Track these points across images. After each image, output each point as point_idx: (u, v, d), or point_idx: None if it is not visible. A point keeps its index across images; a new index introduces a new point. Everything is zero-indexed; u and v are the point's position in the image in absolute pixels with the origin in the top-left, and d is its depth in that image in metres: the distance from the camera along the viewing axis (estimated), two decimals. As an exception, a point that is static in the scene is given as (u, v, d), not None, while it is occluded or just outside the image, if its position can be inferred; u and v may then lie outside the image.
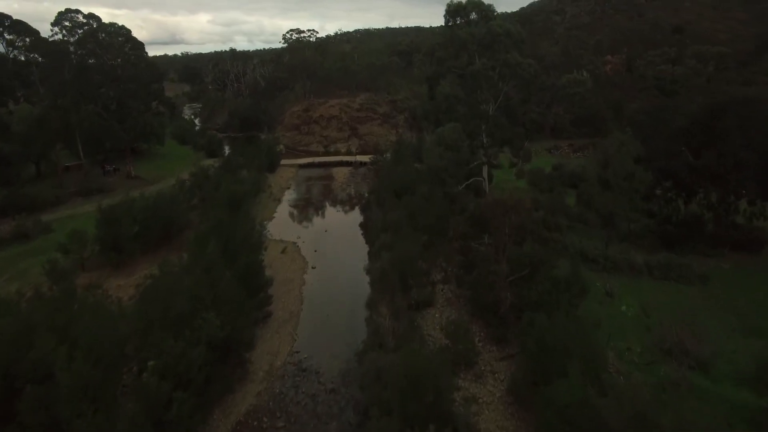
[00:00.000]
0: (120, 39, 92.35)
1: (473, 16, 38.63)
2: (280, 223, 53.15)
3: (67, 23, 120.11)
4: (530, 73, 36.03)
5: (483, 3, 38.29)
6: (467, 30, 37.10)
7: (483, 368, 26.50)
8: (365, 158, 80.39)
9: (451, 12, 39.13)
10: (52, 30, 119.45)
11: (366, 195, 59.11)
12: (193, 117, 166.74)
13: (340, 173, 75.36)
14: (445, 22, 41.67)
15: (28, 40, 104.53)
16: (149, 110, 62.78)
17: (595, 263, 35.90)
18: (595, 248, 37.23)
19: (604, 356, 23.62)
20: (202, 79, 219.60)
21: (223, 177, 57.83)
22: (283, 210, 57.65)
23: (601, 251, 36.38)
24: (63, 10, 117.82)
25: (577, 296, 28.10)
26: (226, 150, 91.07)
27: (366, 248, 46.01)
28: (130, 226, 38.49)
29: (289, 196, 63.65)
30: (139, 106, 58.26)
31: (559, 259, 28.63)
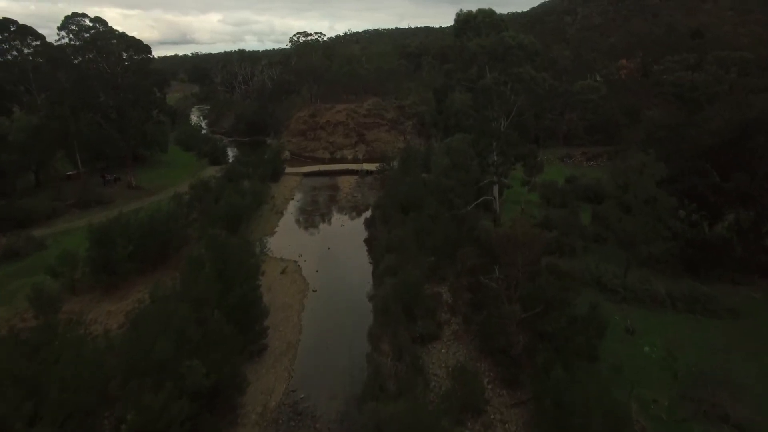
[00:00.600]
0: (123, 44, 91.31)
1: (485, 19, 36.35)
2: (282, 239, 51.27)
3: (73, 27, 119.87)
4: (545, 88, 33.74)
5: (494, 12, 36.03)
6: (478, 41, 34.86)
7: (492, 416, 24.31)
8: (372, 166, 78.40)
9: (461, 22, 36.91)
10: (58, 34, 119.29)
11: (371, 208, 56.91)
12: (201, 118, 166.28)
13: (346, 182, 73.40)
14: (454, 32, 39.55)
15: (24, 49, 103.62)
16: (150, 119, 61.30)
17: (613, 293, 33.52)
18: (614, 275, 34.81)
19: (628, 411, 21.41)
20: (212, 80, 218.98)
21: (224, 189, 56.16)
22: (285, 224, 55.80)
23: (620, 280, 33.96)
24: (70, 13, 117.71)
25: (595, 336, 25.86)
26: (231, 156, 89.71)
27: (370, 267, 44.04)
28: (123, 247, 36.79)
29: (292, 208, 61.80)
30: (139, 116, 56.77)
31: (576, 297, 26.33)
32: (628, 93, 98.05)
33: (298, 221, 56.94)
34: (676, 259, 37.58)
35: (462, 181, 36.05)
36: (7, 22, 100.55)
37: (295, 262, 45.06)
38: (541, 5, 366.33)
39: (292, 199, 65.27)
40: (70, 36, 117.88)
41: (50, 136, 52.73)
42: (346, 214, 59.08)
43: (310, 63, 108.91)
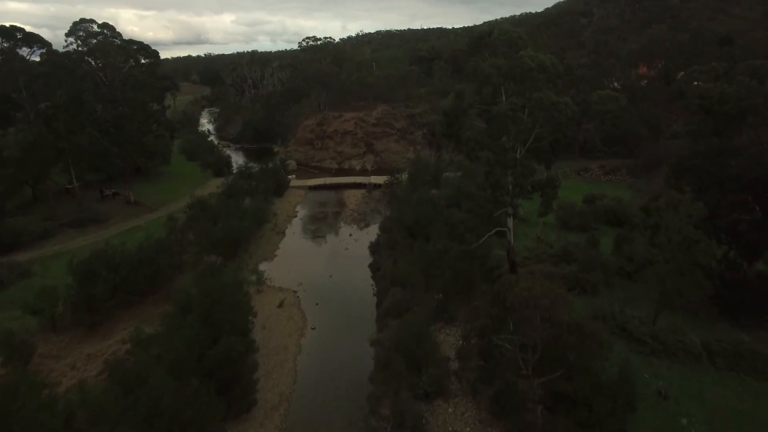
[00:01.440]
0: (124, 54, 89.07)
1: (500, 37, 33.04)
2: (282, 264, 48.52)
3: (81, 33, 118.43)
4: (567, 115, 30.44)
5: (511, 29, 32.74)
6: (493, 62, 31.65)
7: (506, 503, 21.24)
8: (380, 179, 75.46)
9: (475, 39, 33.69)
10: (66, 40, 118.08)
11: (378, 230, 53.89)
12: (212, 121, 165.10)
13: (353, 197, 70.48)
14: (467, 51, 36.42)
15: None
16: (149, 132, 58.96)
17: (640, 343, 30.04)
18: (640, 322, 31.33)
19: None
20: (223, 82, 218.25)
21: (223, 209, 53.67)
22: (287, 246, 52.99)
23: (649, 328, 30.47)
24: (78, 19, 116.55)
25: (624, 409, 22.59)
26: (237, 165, 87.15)
27: (374, 299, 41.08)
28: (107, 282, 34.20)
29: (295, 227, 58.97)
30: (137, 130, 54.41)
31: (602, 363, 23.04)
32: (648, 102, 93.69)
33: (300, 243, 54.07)
34: (710, 301, 33.95)
35: (473, 212, 32.91)
36: (14, 29, 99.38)
37: (294, 292, 42.25)
38: (556, 6, 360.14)
39: (296, 216, 62.51)
40: (78, 42, 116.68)
41: (44, 152, 50.57)
42: (351, 234, 56.13)
43: (319, 70, 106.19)
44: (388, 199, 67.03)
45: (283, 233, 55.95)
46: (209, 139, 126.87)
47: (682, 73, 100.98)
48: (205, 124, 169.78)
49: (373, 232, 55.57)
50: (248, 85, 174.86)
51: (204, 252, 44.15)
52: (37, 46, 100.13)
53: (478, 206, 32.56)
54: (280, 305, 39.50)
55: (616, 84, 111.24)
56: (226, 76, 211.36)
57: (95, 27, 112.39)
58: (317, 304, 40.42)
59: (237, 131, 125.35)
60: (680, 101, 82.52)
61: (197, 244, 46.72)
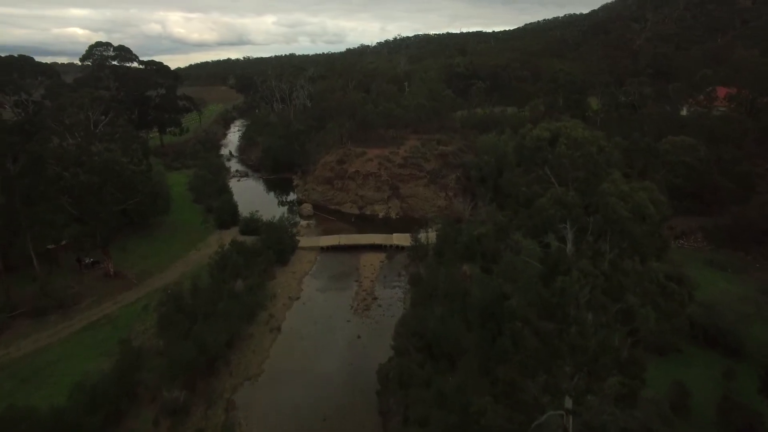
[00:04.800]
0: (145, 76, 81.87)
1: (567, 150, 21.62)
2: (267, 388, 38.24)
3: (96, 56, 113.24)
4: (682, 302, 18.80)
5: (588, 137, 21.21)
6: (557, 196, 20.33)
7: None
8: (403, 239, 64.87)
9: (530, 151, 22.39)
10: (82, 64, 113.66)
11: (390, 338, 43.18)
12: (237, 133, 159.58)
13: (369, 266, 59.81)
14: (515, 160, 25.17)
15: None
16: (128, 200, 50.37)
17: None
18: None
19: None
20: (257, 89, 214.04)
21: (205, 299, 44.46)
22: (279, 355, 42.51)
23: None
24: (94, 42, 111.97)
25: None
26: (247, 204, 78.29)
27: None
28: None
29: (295, 317, 48.49)
30: (108, 201, 45.78)
31: None
32: (729, 142, 78.44)
33: (296, 350, 43.52)
34: None
35: (514, 407, 21.80)
36: (23, 60, 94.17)
37: (274, 450, 32.07)
38: (603, 8, 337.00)
39: (299, 298, 52.35)
40: (95, 66, 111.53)
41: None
42: (359, 336, 45.34)
43: (342, 102, 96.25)
44: (410, 273, 56.21)
45: (279, 329, 45.85)
46: (228, 164, 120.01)
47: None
48: (233, 139, 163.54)
49: (388, 329, 45.01)
50: (276, 99, 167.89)
51: (166, 382, 34.74)
52: (44, 77, 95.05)
53: (522, 406, 21.33)
54: (249, 484, 29.40)
55: (684, 112, 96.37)
56: (259, 84, 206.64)
57: (111, 51, 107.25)
58: (299, 481, 30.12)
59: (258, 157, 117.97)
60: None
61: (166, 355, 37.66)
